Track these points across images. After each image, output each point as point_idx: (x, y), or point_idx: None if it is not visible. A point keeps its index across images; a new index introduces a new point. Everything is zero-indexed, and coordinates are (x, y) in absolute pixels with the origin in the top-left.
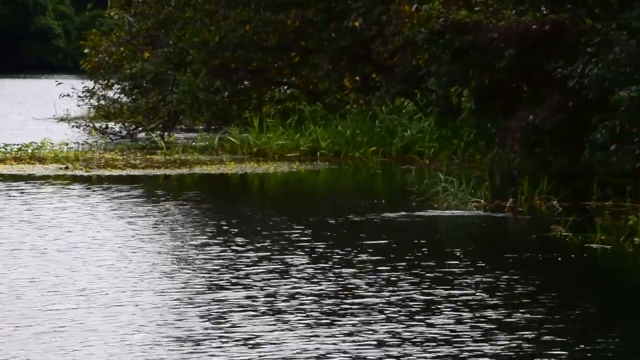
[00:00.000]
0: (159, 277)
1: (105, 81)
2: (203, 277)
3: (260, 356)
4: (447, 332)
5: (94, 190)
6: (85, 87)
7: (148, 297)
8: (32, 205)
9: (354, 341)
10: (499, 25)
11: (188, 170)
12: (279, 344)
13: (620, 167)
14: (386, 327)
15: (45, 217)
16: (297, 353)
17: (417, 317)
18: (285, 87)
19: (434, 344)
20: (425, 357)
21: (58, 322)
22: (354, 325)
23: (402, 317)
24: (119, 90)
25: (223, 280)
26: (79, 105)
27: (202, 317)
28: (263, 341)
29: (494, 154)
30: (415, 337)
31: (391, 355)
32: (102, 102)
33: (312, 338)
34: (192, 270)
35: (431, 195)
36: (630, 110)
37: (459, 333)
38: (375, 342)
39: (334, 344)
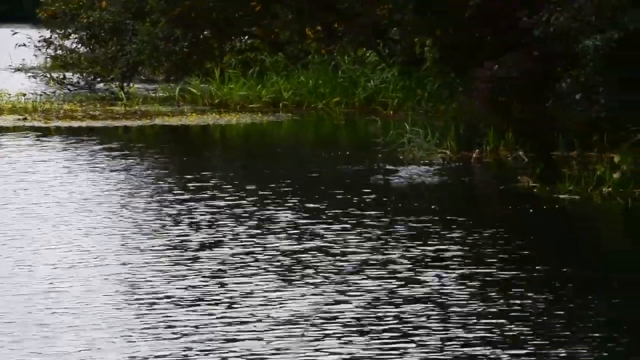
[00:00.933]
0: (146, 234)
1: (62, 30)
2: (193, 233)
3: (277, 312)
4: (440, 290)
5: (61, 142)
6: (41, 36)
7: (137, 256)
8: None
9: (346, 302)
10: None
11: (149, 122)
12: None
13: (584, 117)
14: (380, 286)
15: (19, 171)
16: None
17: (407, 275)
18: (246, 37)
19: (429, 302)
20: (423, 316)
21: (45, 282)
22: (349, 285)
23: (393, 276)
24: (76, 40)
25: (217, 236)
26: (35, 55)
27: (200, 275)
28: (271, 302)
29: (458, 104)
30: (409, 296)
31: (391, 314)
32: (60, 52)
33: (313, 297)
34: (181, 226)
35: (397, 147)
36: (595, 59)
37: (451, 291)
38: (372, 303)
39: (336, 302)
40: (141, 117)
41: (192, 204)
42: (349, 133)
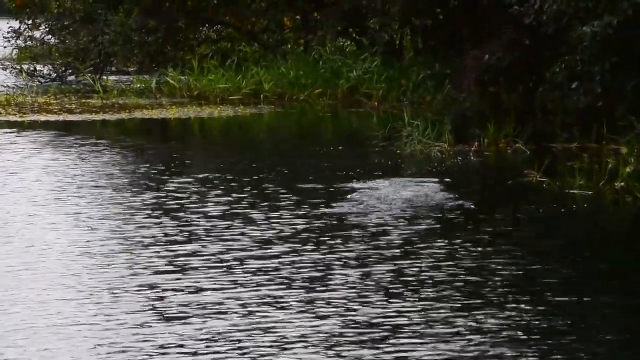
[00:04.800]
0: (158, 240)
1: (31, 21)
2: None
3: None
4: (532, 321)
5: (46, 137)
6: (10, 27)
7: (144, 258)
8: None
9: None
10: None
11: (128, 115)
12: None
13: (576, 105)
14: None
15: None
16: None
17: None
18: (220, 27)
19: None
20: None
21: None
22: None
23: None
24: (46, 31)
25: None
26: (4, 47)
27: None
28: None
29: (445, 95)
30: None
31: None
32: (29, 43)
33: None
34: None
35: (394, 141)
36: (592, 46)
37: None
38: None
39: (406, 317)
40: (119, 110)
41: (210, 205)
42: (340, 126)
